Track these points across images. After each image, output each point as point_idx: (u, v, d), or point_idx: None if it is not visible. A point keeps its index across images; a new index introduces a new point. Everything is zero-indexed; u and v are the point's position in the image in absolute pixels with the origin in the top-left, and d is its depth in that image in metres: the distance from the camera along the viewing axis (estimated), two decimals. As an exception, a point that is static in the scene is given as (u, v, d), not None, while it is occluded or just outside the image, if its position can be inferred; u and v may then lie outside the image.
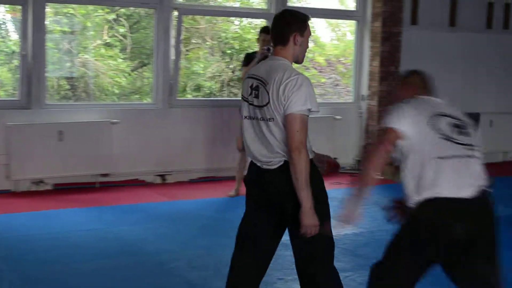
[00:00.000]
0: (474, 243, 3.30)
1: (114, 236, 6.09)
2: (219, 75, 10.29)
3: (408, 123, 3.38)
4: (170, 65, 8.66)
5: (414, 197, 3.32)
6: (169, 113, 8.70)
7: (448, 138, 3.35)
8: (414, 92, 3.64)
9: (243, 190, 7.89)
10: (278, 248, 5.69)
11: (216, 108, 9.06)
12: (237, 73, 9.48)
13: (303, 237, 3.44)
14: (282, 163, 3.47)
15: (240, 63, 8.22)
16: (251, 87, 3.57)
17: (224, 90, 10.26)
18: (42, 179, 7.98)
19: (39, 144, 7.79)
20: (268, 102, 3.43)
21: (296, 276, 4.97)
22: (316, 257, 3.63)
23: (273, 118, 3.43)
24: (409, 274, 3.39)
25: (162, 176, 8.71)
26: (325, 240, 3.57)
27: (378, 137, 3.40)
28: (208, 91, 10.14)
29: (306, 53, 3.70)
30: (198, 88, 10.13)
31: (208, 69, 10.24)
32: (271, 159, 3.52)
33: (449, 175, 3.27)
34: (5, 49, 8.64)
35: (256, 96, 3.52)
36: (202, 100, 9.55)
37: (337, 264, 5.32)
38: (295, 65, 3.62)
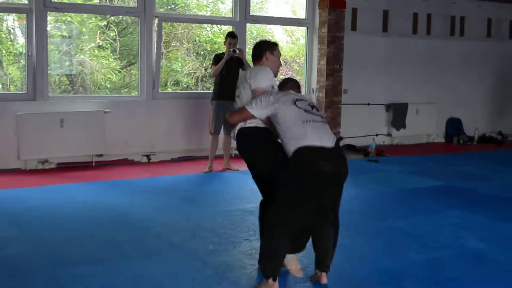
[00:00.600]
0: (338, 179, 3.86)
1: (107, 206, 6.02)
2: (194, 72, 10.23)
3: (280, 106, 3.94)
4: (153, 64, 8.59)
5: (292, 149, 3.81)
6: (153, 103, 8.64)
7: (308, 111, 3.95)
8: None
9: (215, 167, 7.97)
10: (243, 213, 5.78)
11: (192, 99, 9.03)
12: (209, 70, 9.42)
13: None
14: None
15: (211, 62, 8.20)
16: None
17: (199, 85, 10.20)
18: (47, 159, 7.89)
19: (44, 130, 7.69)
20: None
21: (258, 237, 5.04)
22: None
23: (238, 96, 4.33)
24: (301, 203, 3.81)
25: (147, 156, 8.66)
26: None
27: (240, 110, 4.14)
28: (185, 85, 10.08)
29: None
30: (177, 83, 10.07)
31: (185, 67, 10.17)
32: None
33: (312, 132, 3.83)
34: (14, 51, 8.49)
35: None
36: (180, 93, 9.48)
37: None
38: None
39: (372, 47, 10.41)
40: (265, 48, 4.30)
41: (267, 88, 4.16)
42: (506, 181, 7.90)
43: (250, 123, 4.15)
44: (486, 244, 5.07)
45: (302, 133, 3.81)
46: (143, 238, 5.02)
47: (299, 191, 3.76)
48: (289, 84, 4.35)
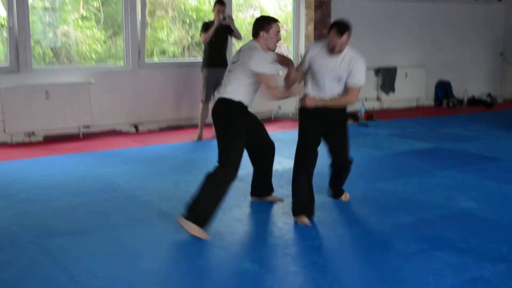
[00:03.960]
0: None
1: (94, 176, 5.96)
2: (180, 41, 10.10)
3: None
4: (138, 33, 8.47)
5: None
6: (139, 73, 8.54)
7: None
8: None
9: (204, 135, 7.91)
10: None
11: (178, 68, 8.92)
12: (196, 39, 9.31)
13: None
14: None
15: (199, 30, 8.11)
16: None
17: (185, 53, 10.07)
18: (33, 132, 7.78)
19: (29, 102, 7.58)
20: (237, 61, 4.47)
21: (249, 202, 5.03)
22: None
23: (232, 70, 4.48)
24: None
25: (135, 126, 8.57)
26: None
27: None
28: (172, 54, 9.95)
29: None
30: (163, 52, 9.94)
31: (171, 36, 10.03)
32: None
33: None
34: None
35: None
36: (166, 62, 9.35)
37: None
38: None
39: (360, 11, 10.28)
40: (260, 27, 4.45)
41: (272, 71, 4.41)
42: (495, 141, 7.90)
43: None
44: (476, 203, 5.07)
45: None
46: (131, 207, 4.98)
47: None
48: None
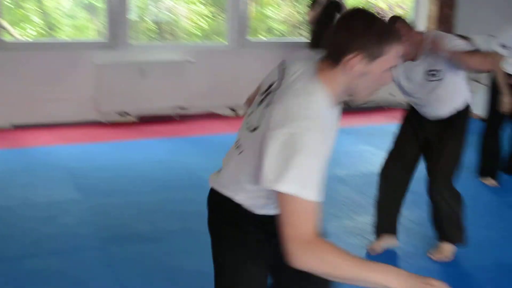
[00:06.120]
0: None
1: (183, 168, 5.36)
2: (289, 18, 9.38)
3: None
4: (242, 9, 7.82)
5: None
6: (241, 52, 7.87)
7: None
8: None
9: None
10: (333, 182, 4.97)
11: (284, 48, 8.15)
12: (305, 16, 8.55)
13: None
14: None
15: (308, 7, 7.41)
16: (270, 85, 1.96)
17: (295, 33, 9.34)
18: (127, 112, 7.34)
19: (124, 80, 7.10)
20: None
21: (350, 213, 4.28)
22: None
23: None
24: None
25: (233, 109, 7.93)
26: None
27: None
28: (280, 33, 9.26)
29: None
30: (270, 30, 9.27)
31: (279, 13, 9.34)
32: None
33: None
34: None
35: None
36: (271, 41, 8.64)
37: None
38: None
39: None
40: (356, 44, 1.72)
41: None
42: None
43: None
44: None
45: None
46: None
47: None
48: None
